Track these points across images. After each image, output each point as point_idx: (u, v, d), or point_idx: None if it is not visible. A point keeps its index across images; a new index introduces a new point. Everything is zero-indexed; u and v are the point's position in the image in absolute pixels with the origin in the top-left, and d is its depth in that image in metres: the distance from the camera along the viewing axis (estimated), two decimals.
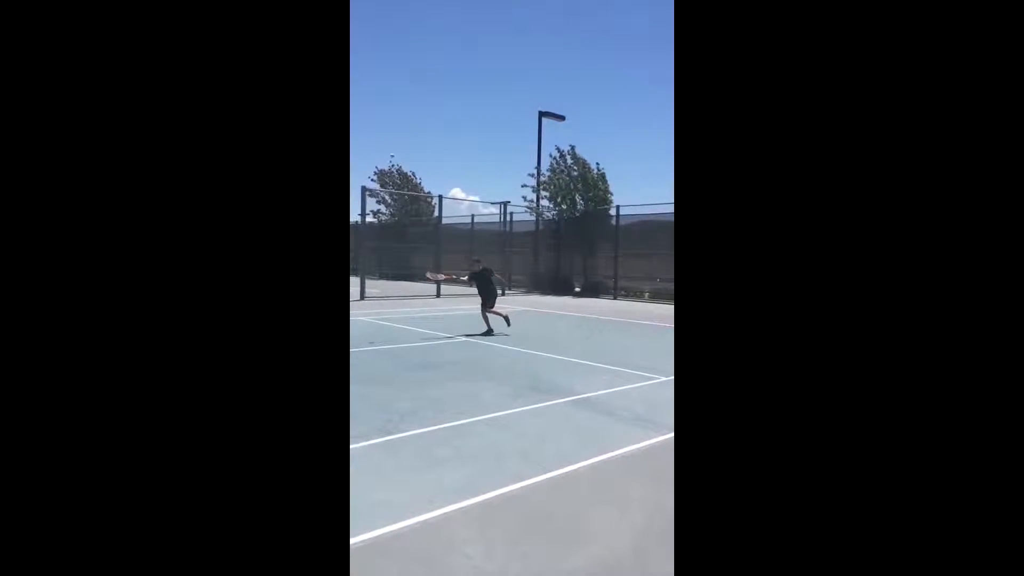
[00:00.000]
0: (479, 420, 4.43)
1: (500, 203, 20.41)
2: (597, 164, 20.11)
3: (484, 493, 3.04)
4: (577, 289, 18.94)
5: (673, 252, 1.80)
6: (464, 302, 9.75)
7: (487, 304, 9.08)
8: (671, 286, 15.44)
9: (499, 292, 9.93)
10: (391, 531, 2.62)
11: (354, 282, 17.48)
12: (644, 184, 42.78)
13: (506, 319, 9.24)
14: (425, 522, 2.72)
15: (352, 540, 2.52)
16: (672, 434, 4.01)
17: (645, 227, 17.44)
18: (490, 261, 18.25)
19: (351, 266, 24.43)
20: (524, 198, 20.69)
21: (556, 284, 19.22)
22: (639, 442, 3.96)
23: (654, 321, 11.52)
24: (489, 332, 8.84)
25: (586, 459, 3.62)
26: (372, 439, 3.89)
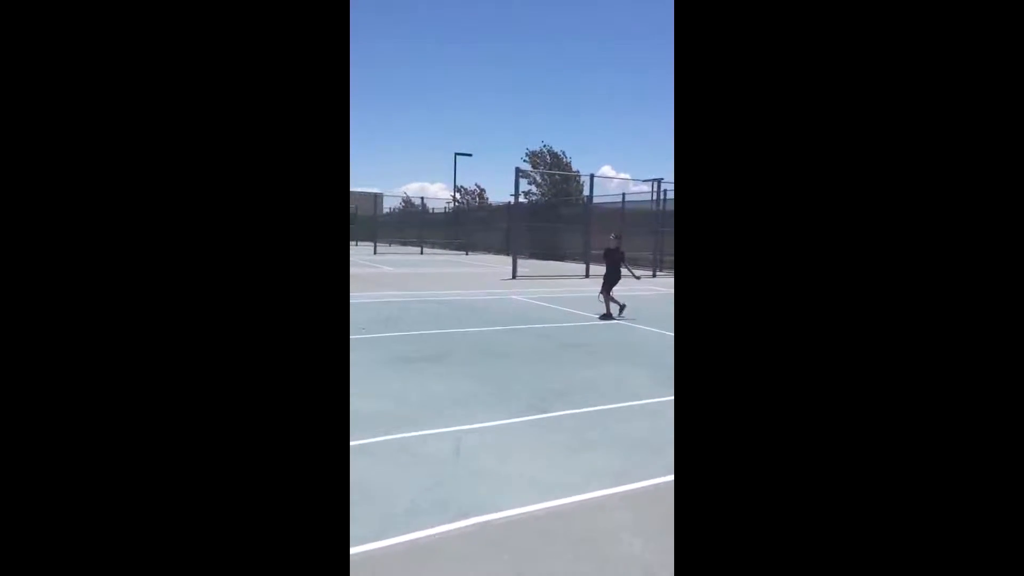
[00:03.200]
0: (632, 406, 4.34)
1: (652, 180, 19.75)
2: None
3: (639, 481, 2.98)
4: None
5: None
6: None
7: (606, 286, 8.60)
8: None
9: (635, 276, 9.43)
10: (546, 508, 2.65)
11: (506, 261, 18.01)
12: None
13: (621, 307, 8.63)
14: (581, 503, 2.72)
15: (508, 512, 2.59)
16: None
17: None
18: (642, 241, 17.82)
19: (504, 245, 25.24)
20: None
21: None
22: None
23: None
24: (608, 316, 8.48)
25: None
26: (524, 416, 3.98)
